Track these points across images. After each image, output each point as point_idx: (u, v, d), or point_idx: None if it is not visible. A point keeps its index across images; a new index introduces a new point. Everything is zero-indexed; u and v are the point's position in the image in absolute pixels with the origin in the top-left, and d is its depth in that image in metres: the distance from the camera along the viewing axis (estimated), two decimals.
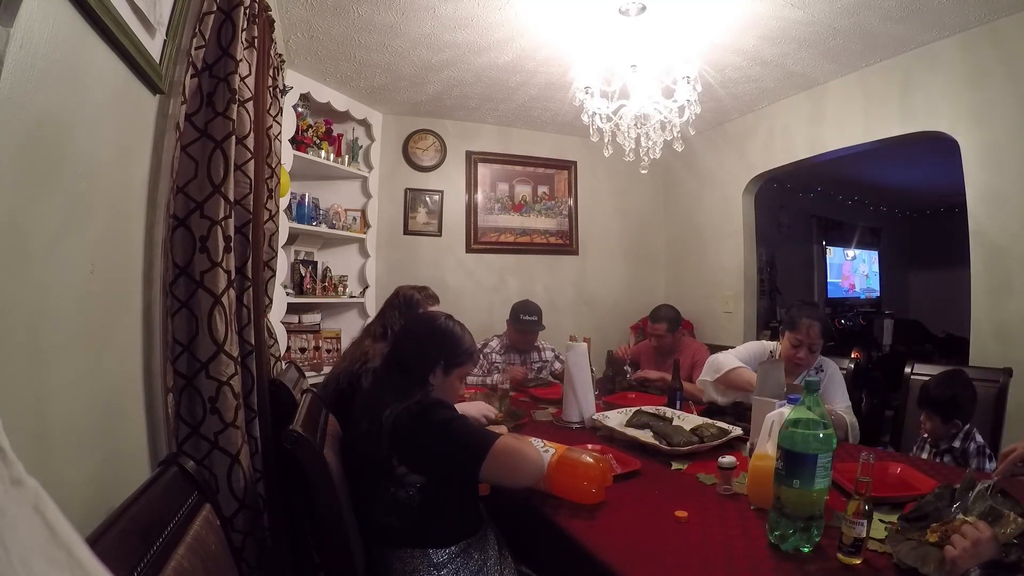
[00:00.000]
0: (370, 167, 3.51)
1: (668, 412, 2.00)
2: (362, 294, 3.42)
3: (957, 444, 1.72)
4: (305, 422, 1.19)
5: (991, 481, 1.07)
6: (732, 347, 2.33)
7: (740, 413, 1.98)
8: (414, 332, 1.42)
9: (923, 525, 1.06)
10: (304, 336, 3.19)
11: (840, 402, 2.02)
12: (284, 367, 1.97)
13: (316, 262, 3.34)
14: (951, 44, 2.42)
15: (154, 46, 0.99)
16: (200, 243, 1.11)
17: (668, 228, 4.31)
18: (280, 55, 2.16)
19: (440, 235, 3.76)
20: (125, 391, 0.98)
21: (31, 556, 0.33)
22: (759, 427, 1.45)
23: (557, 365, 3.00)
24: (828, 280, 5.82)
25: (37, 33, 0.64)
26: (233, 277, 1.21)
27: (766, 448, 1.27)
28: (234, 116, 1.19)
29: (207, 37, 1.18)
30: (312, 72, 2.91)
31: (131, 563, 0.66)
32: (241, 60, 1.25)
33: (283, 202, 2.68)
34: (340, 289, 3.30)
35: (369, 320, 2.50)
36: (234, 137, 1.19)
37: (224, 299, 1.13)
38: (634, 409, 2.01)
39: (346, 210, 3.38)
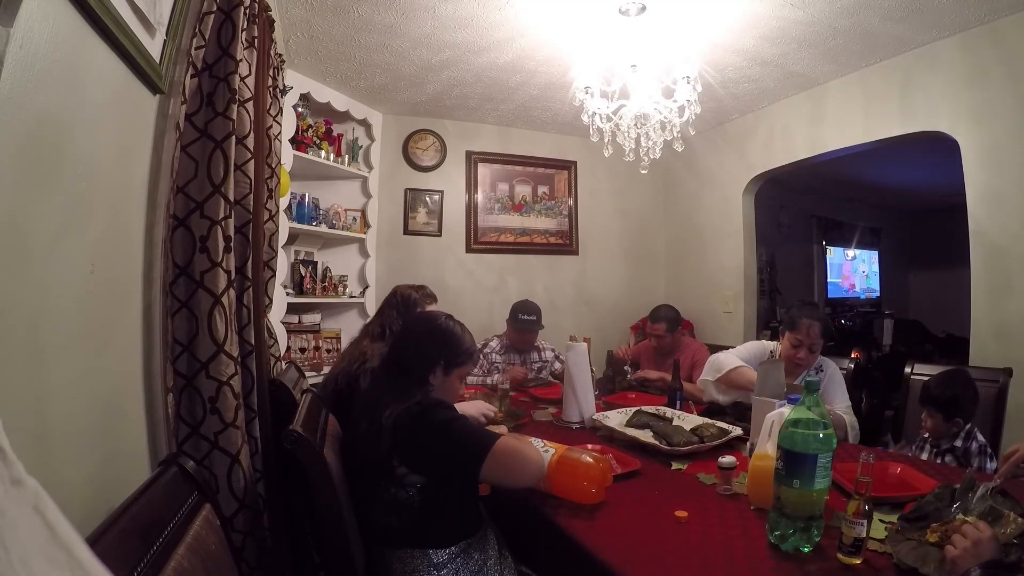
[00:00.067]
0: (370, 167, 3.51)
1: (668, 412, 2.00)
2: (362, 294, 3.42)
3: (959, 443, 1.72)
4: (305, 422, 1.19)
5: (992, 484, 1.07)
6: (732, 347, 2.33)
7: (740, 413, 1.98)
8: (414, 332, 1.42)
9: (923, 525, 1.06)
10: (304, 336, 3.19)
11: (840, 402, 2.02)
12: (284, 367, 1.97)
13: (316, 262, 3.34)
14: (951, 44, 2.42)
15: (154, 46, 0.99)
16: (200, 243, 1.11)
17: (668, 228, 4.31)
18: (280, 55, 2.16)
19: (440, 235, 3.76)
20: (125, 391, 0.98)
21: (31, 556, 0.33)
22: (759, 427, 1.45)
23: (557, 365, 3.00)
24: (828, 280, 5.82)
25: (37, 33, 0.64)
26: (233, 277, 1.21)
27: (766, 448, 1.27)
28: (234, 116, 1.19)
29: (207, 37, 1.18)
30: (312, 72, 2.91)
31: (131, 563, 0.66)
32: (241, 60, 1.25)
33: (283, 202, 2.68)
34: (340, 289, 3.30)
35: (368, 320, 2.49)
36: (234, 137, 1.19)
37: (224, 299, 1.13)
38: (634, 409, 2.01)
39: (346, 210, 3.38)
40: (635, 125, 2.25)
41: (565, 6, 2.21)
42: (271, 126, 1.81)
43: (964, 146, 2.41)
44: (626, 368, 2.90)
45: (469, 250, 3.83)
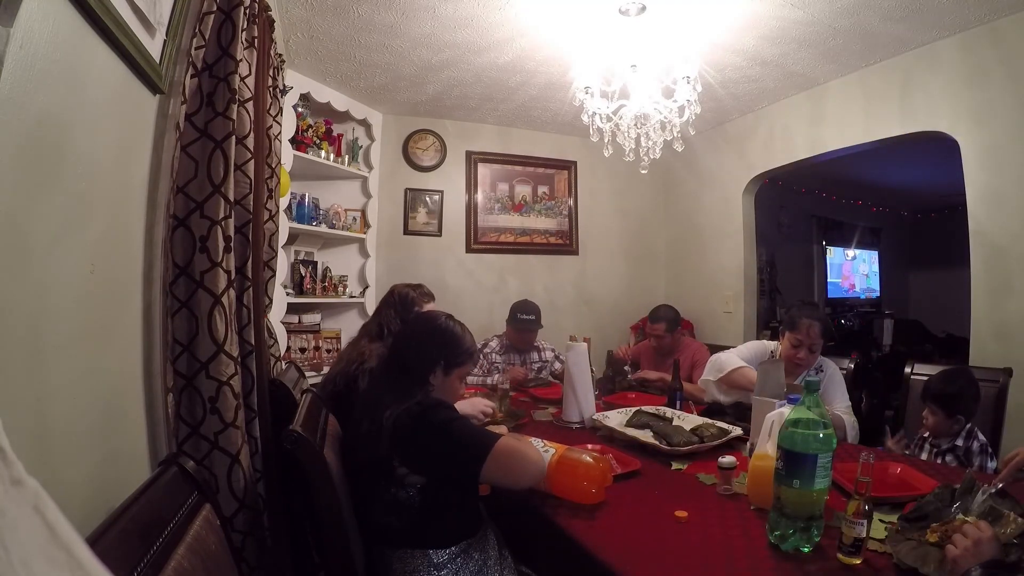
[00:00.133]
0: (370, 167, 3.51)
1: (668, 412, 2.00)
2: (362, 294, 3.42)
3: (960, 443, 1.72)
4: (305, 422, 1.19)
5: (992, 488, 1.07)
6: (732, 347, 2.33)
7: (740, 413, 1.98)
8: (414, 332, 1.42)
9: (923, 525, 1.06)
10: (304, 336, 3.19)
11: (840, 402, 2.02)
12: (284, 367, 1.97)
13: (316, 262, 3.34)
14: (951, 44, 2.42)
15: (154, 46, 0.99)
16: (200, 243, 1.11)
17: (668, 228, 4.31)
18: (280, 55, 2.16)
19: (440, 235, 3.76)
20: (125, 391, 0.98)
21: (31, 556, 0.33)
22: (759, 427, 1.45)
23: (557, 365, 3.00)
24: (828, 280, 5.82)
25: (37, 33, 0.64)
26: (233, 277, 1.21)
27: (766, 448, 1.27)
28: (234, 116, 1.19)
29: (207, 37, 1.18)
30: (312, 72, 2.91)
31: (131, 563, 0.66)
32: (241, 60, 1.25)
33: (283, 202, 2.68)
34: (340, 289, 3.30)
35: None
36: (234, 137, 1.19)
37: (224, 299, 1.13)
38: (634, 409, 2.01)
39: (346, 210, 3.38)
40: (635, 125, 2.25)
41: (565, 6, 2.21)
42: (271, 126, 1.81)
43: (964, 146, 2.41)
44: (626, 368, 2.90)
45: (469, 250, 3.83)
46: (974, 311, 2.40)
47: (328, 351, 3.22)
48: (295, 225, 2.96)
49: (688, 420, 1.90)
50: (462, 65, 2.82)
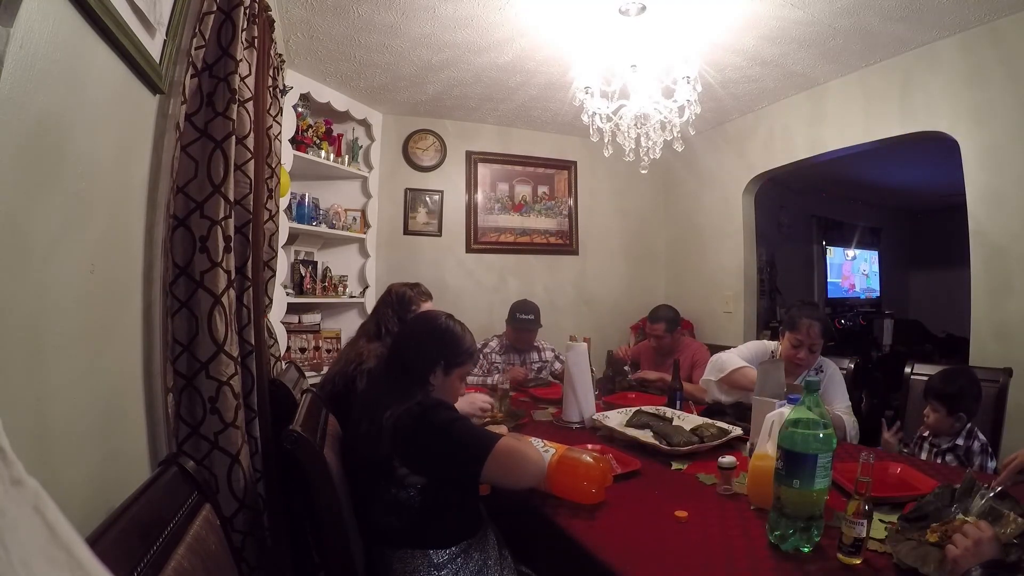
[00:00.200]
0: (370, 167, 3.51)
1: (668, 412, 2.00)
2: (362, 294, 3.42)
3: (960, 442, 1.72)
4: (305, 422, 1.19)
5: (991, 492, 1.07)
6: (732, 347, 2.33)
7: (740, 413, 1.98)
8: (414, 332, 1.42)
9: (923, 525, 1.06)
10: (304, 336, 3.19)
11: (840, 402, 2.02)
12: (284, 367, 1.97)
13: (316, 262, 3.34)
14: (951, 44, 2.42)
15: (154, 46, 0.99)
16: (200, 243, 1.11)
17: (668, 228, 4.31)
18: (280, 55, 2.16)
19: (440, 235, 3.76)
20: (125, 391, 0.98)
21: (31, 556, 0.33)
22: (759, 427, 1.45)
23: (557, 365, 3.00)
24: (828, 280, 5.82)
25: (37, 33, 0.64)
26: (233, 277, 1.21)
27: (766, 448, 1.27)
28: (234, 116, 1.19)
29: (207, 37, 1.18)
30: (312, 72, 2.91)
31: (131, 563, 0.66)
32: (241, 60, 1.25)
33: (283, 202, 2.68)
34: (340, 289, 3.30)
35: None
36: (234, 137, 1.19)
37: (224, 299, 1.13)
38: (634, 409, 2.01)
39: (346, 210, 3.38)
40: (635, 125, 2.25)
41: (565, 6, 2.21)
42: (271, 126, 1.81)
43: (964, 146, 2.41)
44: (626, 368, 2.90)
45: (469, 250, 3.83)
46: (974, 311, 2.40)
47: (328, 351, 3.22)
48: (295, 225, 2.96)
49: (688, 420, 1.90)
50: (462, 65, 2.82)
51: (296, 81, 2.78)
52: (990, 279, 2.34)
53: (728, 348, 2.32)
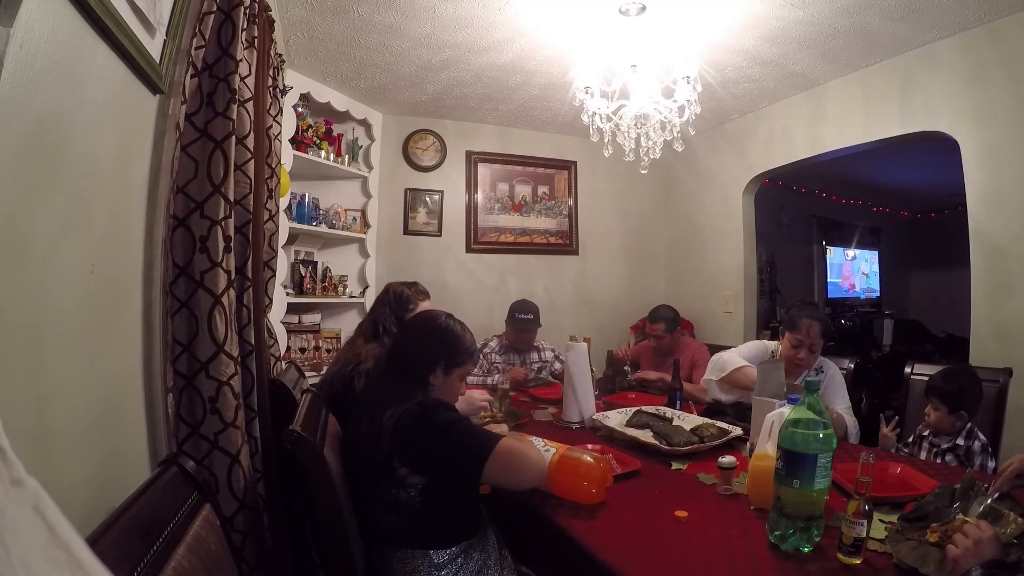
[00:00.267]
0: (370, 167, 3.51)
1: (668, 412, 2.00)
2: (362, 294, 3.42)
3: (961, 442, 1.71)
4: (305, 422, 1.19)
5: (989, 498, 1.06)
6: (731, 347, 2.33)
7: (741, 413, 1.98)
8: (414, 332, 1.41)
9: (923, 525, 1.06)
10: (304, 336, 3.19)
11: (840, 403, 2.02)
12: (284, 367, 1.97)
13: (316, 262, 3.34)
14: (951, 44, 2.42)
15: (154, 46, 0.99)
16: (200, 243, 1.11)
17: (668, 228, 4.31)
18: (280, 55, 2.16)
19: (440, 235, 3.76)
20: (125, 391, 0.98)
21: (31, 556, 0.33)
22: (759, 427, 1.45)
23: (557, 365, 3.00)
24: (828, 280, 5.82)
25: (37, 33, 0.64)
26: (233, 277, 1.21)
27: (766, 448, 1.27)
28: (234, 116, 1.19)
29: (207, 37, 1.18)
30: (312, 72, 2.91)
31: (131, 563, 0.66)
32: (241, 60, 1.25)
33: (283, 202, 2.68)
34: (340, 289, 3.30)
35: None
36: (234, 137, 1.19)
37: (224, 299, 1.13)
38: (634, 409, 2.01)
39: (346, 210, 3.38)
40: (635, 125, 2.25)
41: (565, 6, 2.21)
42: (271, 126, 1.81)
43: (964, 146, 2.41)
44: (626, 368, 2.90)
45: (469, 250, 3.83)
46: (974, 311, 2.40)
47: (328, 351, 3.22)
48: (295, 225, 2.96)
49: (688, 420, 1.90)
50: (462, 65, 2.82)
51: (296, 81, 2.78)
52: (990, 279, 2.34)
53: (728, 348, 2.32)
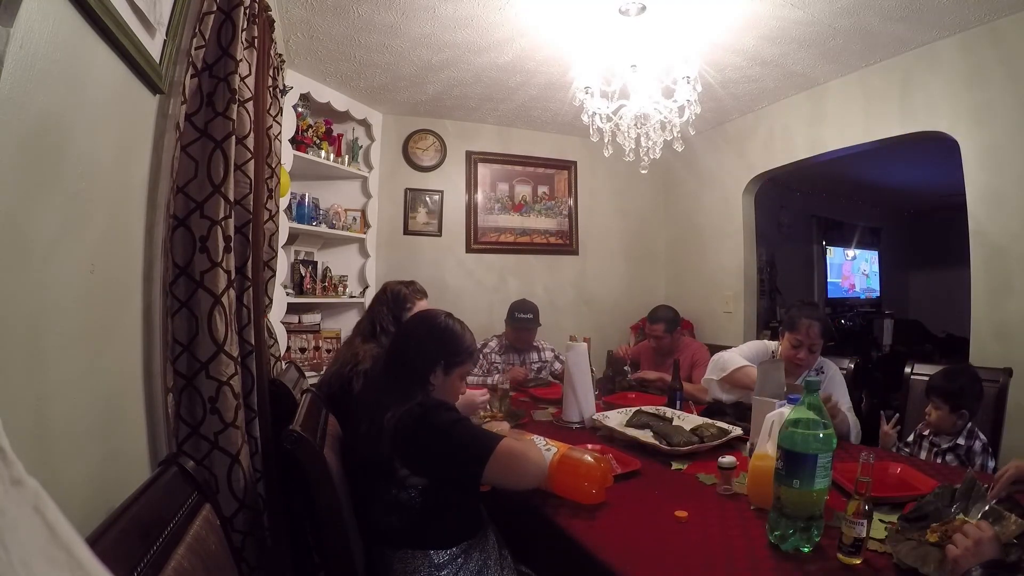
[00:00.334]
0: (370, 167, 3.51)
1: (668, 412, 2.00)
2: (362, 294, 3.42)
3: (962, 441, 1.71)
4: (305, 422, 1.19)
5: (986, 505, 1.06)
6: (731, 347, 2.33)
7: (741, 413, 1.98)
8: (414, 332, 1.41)
9: (923, 525, 1.06)
10: (304, 336, 3.19)
11: (842, 403, 2.02)
12: (284, 367, 1.97)
13: (316, 262, 3.34)
14: (951, 44, 2.42)
15: (154, 46, 0.99)
16: (200, 243, 1.11)
17: (668, 228, 4.31)
18: (280, 55, 2.16)
19: (440, 235, 3.76)
20: (125, 391, 0.98)
21: (31, 556, 0.33)
22: (759, 427, 1.45)
23: (557, 365, 3.00)
24: (828, 280, 5.82)
25: (37, 33, 0.64)
26: (233, 277, 1.21)
27: (766, 448, 1.27)
28: (234, 116, 1.19)
29: (207, 37, 1.18)
30: (312, 72, 2.91)
31: (131, 563, 0.66)
32: (241, 60, 1.25)
33: (283, 202, 2.68)
34: (340, 289, 3.30)
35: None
36: (234, 137, 1.19)
37: (224, 299, 1.13)
38: (634, 409, 2.01)
39: (346, 210, 3.38)
40: (635, 125, 2.25)
41: (565, 6, 2.21)
42: (271, 126, 1.81)
43: (964, 146, 2.41)
44: (626, 368, 2.90)
45: (469, 250, 3.83)
46: (974, 311, 2.40)
47: (328, 351, 3.22)
48: (295, 225, 2.96)
49: (688, 420, 1.90)
50: (462, 65, 2.82)
51: (296, 81, 2.78)
52: (990, 279, 2.34)
53: (728, 348, 2.32)
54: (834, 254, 5.92)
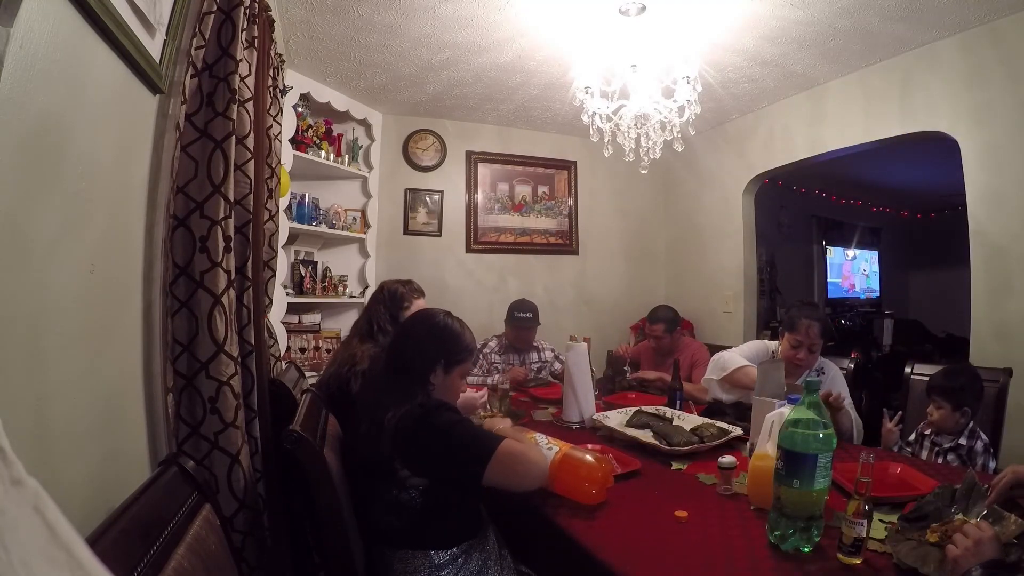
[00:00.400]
0: (370, 167, 3.51)
1: (668, 412, 2.00)
2: (362, 294, 3.42)
3: (963, 441, 1.71)
4: (305, 422, 1.19)
5: (984, 511, 1.06)
6: (731, 347, 2.33)
7: (741, 413, 1.98)
8: (413, 331, 1.41)
9: (923, 525, 1.06)
10: (304, 336, 3.19)
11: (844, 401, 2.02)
12: (284, 367, 1.97)
13: (316, 262, 3.34)
14: (951, 44, 2.42)
15: (154, 46, 0.99)
16: (200, 243, 1.11)
17: (668, 228, 4.31)
18: (280, 55, 2.16)
19: (440, 235, 3.76)
20: (125, 391, 0.98)
21: (31, 556, 0.33)
22: (759, 427, 1.45)
23: (557, 365, 3.00)
24: (828, 280, 5.82)
25: (37, 33, 0.64)
26: (233, 277, 1.21)
27: (766, 448, 1.27)
28: (234, 116, 1.19)
29: (207, 37, 1.18)
30: (312, 72, 2.91)
31: (131, 563, 0.66)
32: (241, 60, 1.25)
33: (283, 202, 2.68)
34: (340, 289, 3.30)
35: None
36: (234, 137, 1.19)
37: (224, 299, 1.13)
38: (634, 409, 2.01)
39: (346, 210, 3.38)
40: (635, 125, 2.25)
41: (565, 6, 2.21)
42: (271, 126, 1.81)
43: (964, 146, 2.41)
44: (626, 368, 2.90)
45: (469, 250, 3.83)
46: (974, 311, 2.40)
47: (328, 351, 3.21)
48: (295, 225, 2.96)
49: (688, 420, 1.90)
50: (462, 65, 2.82)
51: (296, 81, 2.78)
52: (990, 279, 2.34)
53: (728, 348, 2.32)
54: (834, 254, 5.92)
